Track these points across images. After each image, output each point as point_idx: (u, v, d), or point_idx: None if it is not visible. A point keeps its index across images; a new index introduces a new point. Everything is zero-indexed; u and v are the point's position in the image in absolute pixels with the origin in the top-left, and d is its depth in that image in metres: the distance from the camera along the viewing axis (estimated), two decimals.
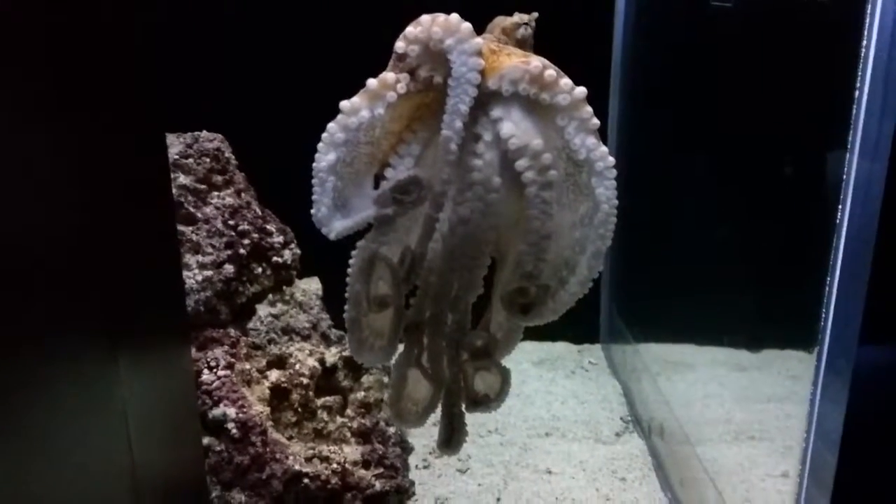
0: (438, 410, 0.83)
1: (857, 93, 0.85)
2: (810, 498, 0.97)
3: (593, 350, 2.54)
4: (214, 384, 1.20)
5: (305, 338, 1.39)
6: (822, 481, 0.93)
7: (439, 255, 0.77)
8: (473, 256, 0.75)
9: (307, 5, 2.12)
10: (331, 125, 0.73)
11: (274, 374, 1.30)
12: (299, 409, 1.31)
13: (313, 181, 0.75)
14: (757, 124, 1.68)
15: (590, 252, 0.74)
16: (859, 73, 0.85)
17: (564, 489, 1.69)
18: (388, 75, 0.72)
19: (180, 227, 1.28)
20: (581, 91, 0.70)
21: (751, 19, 1.75)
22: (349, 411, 1.36)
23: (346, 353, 1.38)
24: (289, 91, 1.98)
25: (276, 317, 1.38)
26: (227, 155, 1.39)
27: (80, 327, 0.72)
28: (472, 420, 0.82)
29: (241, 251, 1.32)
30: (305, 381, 1.32)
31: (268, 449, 1.19)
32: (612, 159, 0.71)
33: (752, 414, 1.86)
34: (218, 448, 1.18)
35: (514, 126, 0.71)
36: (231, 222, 1.33)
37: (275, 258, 1.38)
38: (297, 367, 1.32)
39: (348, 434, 1.34)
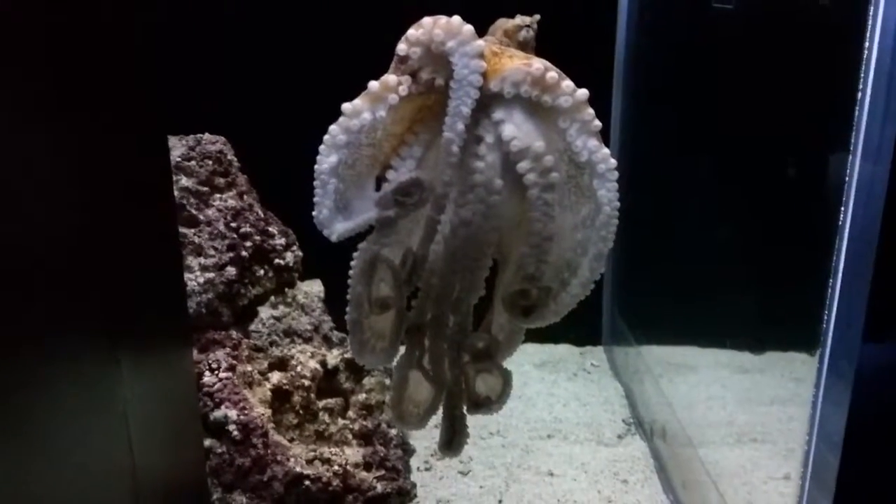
0: (440, 412, 0.83)
1: (859, 94, 0.85)
2: (812, 500, 0.97)
3: (595, 352, 2.54)
4: (216, 386, 1.20)
5: (307, 340, 1.39)
6: (824, 483, 0.93)
7: (441, 257, 0.76)
8: (475, 258, 0.75)
9: (309, 8, 2.12)
10: (332, 127, 0.73)
11: (275, 376, 1.30)
12: (301, 411, 1.31)
13: (315, 183, 0.75)
14: (759, 126, 1.68)
15: (591, 254, 0.74)
16: (861, 75, 0.85)
17: (566, 491, 1.69)
18: (390, 77, 0.72)
19: (182, 230, 1.29)
20: (583, 93, 0.70)
21: (752, 21, 1.75)
22: (351, 413, 1.36)
23: (347, 355, 1.38)
24: (291, 93, 1.98)
25: (277, 319, 1.38)
26: (229, 157, 1.39)
27: (82, 328, 0.72)
28: (474, 422, 0.82)
29: (243, 253, 1.32)
30: (307, 383, 1.32)
31: (269, 451, 1.19)
32: (613, 161, 0.71)
33: (754, 416, 1.86)
34: (219, 450, 1.18)
35: (515, 128, 0.71)
36: (233, 224, 1.33)
37: (277, 260, 1.38)
38: (299, 369, 1.32)
39: (350, 436, 1.34)
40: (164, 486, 0.89)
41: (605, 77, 2.34)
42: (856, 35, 0.85)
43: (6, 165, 0.60)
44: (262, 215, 1.39)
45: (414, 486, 1.37)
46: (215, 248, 1.30)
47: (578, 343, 2.55)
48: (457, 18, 0.70)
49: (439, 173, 0.72)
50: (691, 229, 1.94)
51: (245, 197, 1.38)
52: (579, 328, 2.49)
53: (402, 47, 0.72)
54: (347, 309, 0.79)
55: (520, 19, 0.77)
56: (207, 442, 1.18)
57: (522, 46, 0.76)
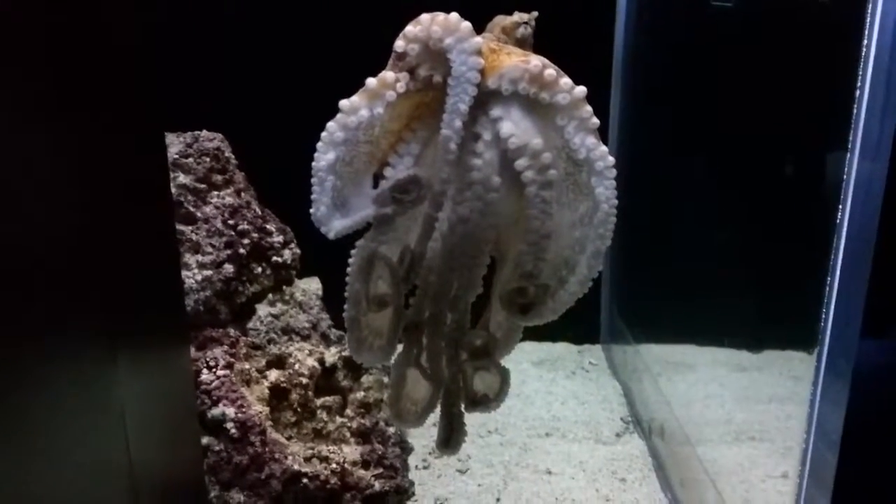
0: (438, 410, 0.83)
1: (857, 93, 0.85)
2: (810, 498, 0.97)
3: (594, 350, 2.54)
4: (213, 384, 1.20)
5: (305, 338, 1.39)
6: (822, 482, 0.93)
7: (439, 255, 0.76)
8: (473, 256, 0.75)
9: (307, 4, 2.12)
10: (330, 124, 0.73)
11: (273, 374, 1.30)
12: (298, 409, 1.30)
13: (312, 180, 0.75)
14: (757, 124, 1.68)
15: (589, 252, 0.74)
16: (860, 73, 0.85)
17: (564, 490, 1.69)
18: (388, 74, 0.72)
19: (180, 227, 1.28)
20: (581, 90, 0.70)
21: (751, 19, 1.75)
22: (349, 411, 1.36)
23: (345, 353, 1.38)
24: (288, 90, 1.97)
25: (275, 316, 1.38)
26: (226, 154, 1.39)
27: (79, 327, 0.72)
28: (472, 420, 0.82)
29: (241, 251, 1.32)
30: (305, 380, 1.31)
31: (267, 449, 1.19)
32: (611, 159, 0.71)
33: (752, 414, 1.86)
34: (217, 448, 1.18)
35: (513, 125, 0.70)
36: (231, 222, 1.33)
37: (274, 258, 1.38)
38: (297, 366, 1.32)
39: (348, 434, 1.33)
40: (162, 483, 0.89)
41: (604, 75, 2.34)
42: (855, 33, 0.85)
43: (5, 165, 0.60)
44: (260, 213, 1.39)
45: (412, 484, 1.37)
46: (213, 246, 1.29)
47: (577, 341, 2.55)
48: (455, 15, 0.69)
49: (437, 170, 0.72)
50: (690, 228, 1.94)
51: (243, 194, 1.38)
52: (578, 326, 2.49)
53: (399, 44, 0.72)
54: (345, 306, 0.79)
55: (518, 16, 0.77)
56: (205, 440, 1.18)
57: (520, 43, 0.76)
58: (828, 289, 0.91)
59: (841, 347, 0.89)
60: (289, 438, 1.27)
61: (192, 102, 1.37)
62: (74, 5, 0.70)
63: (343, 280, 0.78)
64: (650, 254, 2.13)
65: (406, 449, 1.39)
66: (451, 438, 0.83)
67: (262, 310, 1.38)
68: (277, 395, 1.29)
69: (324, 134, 0.73)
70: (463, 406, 0.82)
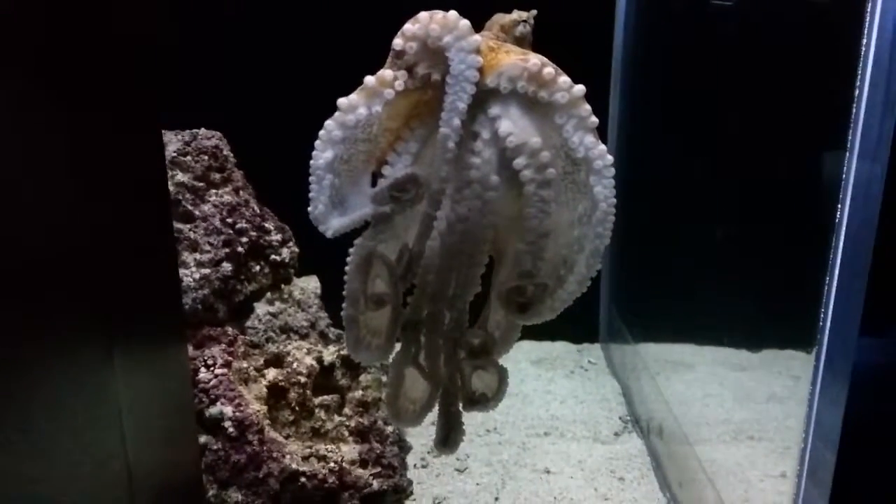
0: (436, 409, 0.83)
1: (856, 92, 0.85)
2: (809, 498, 0.97)
3: (592, 349, 2.54)
4: (211, 382, 1.20)
5: (303, 336, 1.39)
6: (820, 481, 0.93)
7: (437, 254, 0.76)
8: (471, 255, 0.75)
9: (306, 3, 2.12)
10: (328, 122, 0.72)
11: (271, 373, 1.30)
12: (297, 408, 1.30)
13: (310, 179, 0.75)
14: (757, 123, 1.67)
15: (588, 251, 0.74)
16: (859, 73, 0.85)
17: (563, 489, 1.69)
18: (386, 72, 0.72)
19: (178, 225, 1.28)
20: (579, 89, 0.70)
21: (751, 18, 1.75)
22: (347, 410, 1.36)
23: (344, 352, 1.38)
24: (287, 88, 1.97)
25: (274, 315, 1.38)
26: (225, 152, 1.38)
27: (76, 325, 0.72)
28: (471, 419, 0.82)
29: (239, 249, 1.32)
30: (303, 379, 1.31)
31: (265, 447, 1.19)
32: (610, 157, 0.71)
33: (751, 414, 1.86)
34: (214, 446, 1.18)
35: (512, 124, 0.70)
36: (229, 220, 1.32)
37: (273, 256, 1.38)
38: (295, 365, 1.32)
39: (346, 433, 1.33)
40: (159, 482, 0.89)
41: (603, 73, 2.34)
42: (854, 33, 0.85)
43: (2, 165, 0.60)
44: (259, 211, 1.39)
45: (410, 483, 1.37)
46: (211, 244, 1.29)
47: (576, 340, 2.55)
48: (453, 13, 0.69)
49: (435, 169, 0.72)
50: (689, 226, 1.94)
51: (241, 192, 1.38)
52: (576, 325, 2.49)
53: (398, 42, 0.71)
54: (343, 305, 0.79)
55: (517, 14, 0.77)
56: (203, 438, 1.17)
57: (519, 42, 0.76)
58: (827, 288, 0.91)
59: (840, 347, 0.89)
60: (287, 437, 1.27)
61: (191, 101, 1.37)
62: (73, 4, 0.70)
63: (342, 278, 0.78)
64: (649, 253, 2.13)
65: (404, 448, 1.39)
66: (449, 437, 0.82)
67: (261, 308, 1.37)
68: (275, 394, 1.29)
69: (322, 132, 0.73)
70: (461, 405, 0.82)
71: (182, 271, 1.25)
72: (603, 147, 0.71)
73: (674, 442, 1.77)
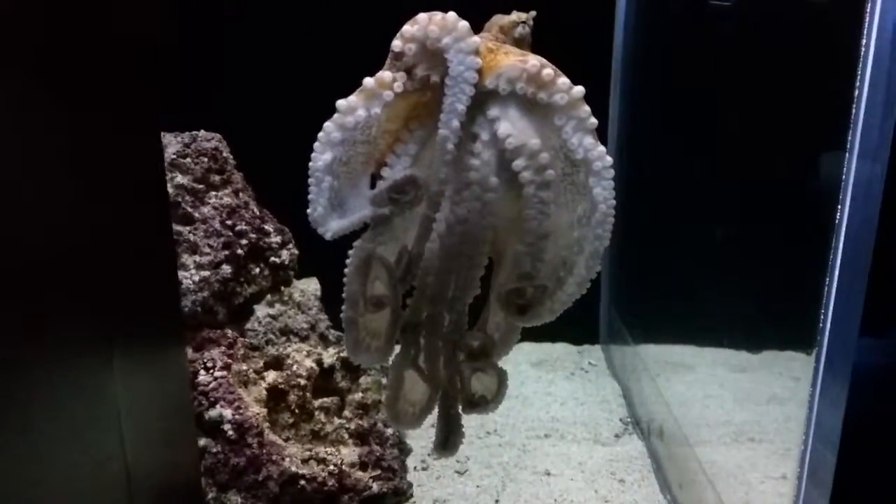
0: (436, 412, 0.83)
1: (856, 93, 0.85)
2: (809, 499, 0.96)
3: (593, 351, 2.54)
4: (211, 385, 1.20)
5: (303, 339, 1.39)
6: (821, 482, 0.92)
7: (436, 256, 0.76)
8: (470, 256, 0.74)
9: (305, 4, 2.12)
10: (327, 124, 0.72)
11: (271, 375, 1.30)
12: (296, 411, 1.30)
13: (309, 181, 0.75)
14: (756, 124, 1.67)
15: (587, 252, 0.74)
16: (859, 73, 0.85)
17: (563, 491, 1.68)
18: (385, 74, 0.72)
19: (178, 227, 1.28)
20: (579, 90, 0.70)
21: (750, 19, 1.75)
22: (347, 412, 1.36)
23: (344, 354, 1.37)
24: (287, 90, 1.97)
25: (273, 317, 1.37)
26: (224, 154, 1.38)
27: (75, 328, 0.72)
28: (471, 421, 0.81)
29: (239, 251, 1.31)
30: (303, 382, 1.31)
31: (264, 450, 1.19)
32: (609, 159, 0.71)
33: (751, 415, 1.85)
34: (214, 449, 1.18)
35: (511, 125, 0.70)
36: (229, 222, 1.32)
37: (272, 258, 1.37)
38: (295, 368, 1.31)
39: (346, 435, 1.33)
40: (158, 484, 0.88)
41: (603, 74, 2.34)
42: (854, 32, 0.85)
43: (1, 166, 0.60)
44: (258, 213, 1.38)
45: (410, 485, 1.36)
46: (211, 246, 1.29)
47: (576, 342, 2.55)
48: (452, 15, 0.69)
49: (434, 171, 0.72)
50: (689, 228, 1.94)
51: (241, 194, 1.38)
52: (577, 327, 2.49)
53: (397, 43, 0.71)
54: (343, 307, 0.79)
55: (516, 16, 0.77)
56: (202, 441, 1.17)
57: (518, 43, 0.76)
58: (827, 289, 0.91)
59: (840, 348, 0.89)
60: (286, 440, 1.27)
61: (191, 103, 1.37)
62: (73, 4, 0.70)
63: (342, 281, 0.78)
64: (649, 254, 2.13)
65: (404, 450, 1.39)
66: (448, 440, 0.82)
67: (261, 311, 1.37)
68: (275, 397, 1.29)
69: (321, 134, 0.73)
70: (460, 408, 0.82)
71: (182, 273, 1.25)
72: (602, 148, 0.71)
73: (674, 443, 1.77)
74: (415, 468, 1.70)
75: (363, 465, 1.29)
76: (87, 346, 0.74)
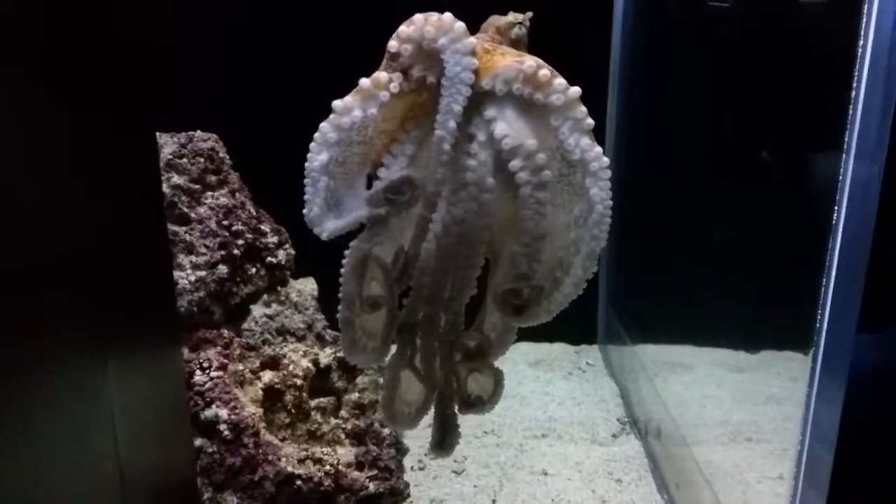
0: (432, 412, 0.83)
1: (853, 94, 0.85)
2: (806, 499, 0.96)
3: (590, 351, 2.54)
4: (207, 385, 1.19)
5: (300, 339, 1.39)
6: (817, 483, 0.92)
7: (433, 256, 0.76)
8: (467, 257, 0.74)
9: (301, 5, 2.11)
10: (323, 125, 0.72)
11: (267, 375, 1.29)
12: (293, 411, 1.30)
13: (305, 181, 0.74)
14: (754, 124, 1.68)
15: (584, 253, 0.74)
16: (856, 74, 0.85)
17: (560, 491, 1.69)
18: (381, 75, 0.71)
19: (174, 227, 1.28)
20: (575, 91, 0.70)
21: (748, 19, 1.75)
22: (343, 412, 1.36)
23: (340, 354, 1.37)
24: (283, 91, 1.97)
25: (270, 317, 1.37)
26: (221, 155, 1.38)
27: (69, 328, 0.72)
28: (469, 421, 0.81)
29: (235, 251, 1.31)
30: (299, 382, 1.31)
31: (260, 450, 1.19)
32: (606, 160, 0.71)
33: (749, 415, 1.86)
34: (210, 449, 1.17)
35: (507, 126, 0.70)
36: (225, 222, 1.32)
37: (269, 258, 1.37)
38: (291, 368, 1.31)
39: (342, 435, 1.33)
40: (154, 485, 0.88)
41: (600, 75, 2.34)
42: (851, 34, 0.85)
43: None
44: (255, 213, 1.38)
45: (407, 485, 1.36)
46: (207, 247, 1.29)
47: (573, 342, 2.55)
48: (448, 15, 0.69)
49: (431, 171, 0.72)
50: (686, 228, 1.94)
51: (237, 195, 1.38)
52: (574, 327, 2.49)
53: (393, 44, 0.71)
54: (339, 308, 0.79)
55: (512, 16, 0.77)
56: (198, 441, 1.17)
57: (515, 44, 0.76)
58: (824, 289, 0.91)
59: (837, 348, 0.89)
60: (283, 440, 1.26)
61: (187, 103, 1.37)
62: (73, 4, 0.70)
63: (339, 281, 0.78)
64: (647, 254, 2.13)
65: (401, 450, 1.39)
66: (444, 440, 0.82)
67: (257, 310, 1.37)
68: (271, 397, 1.29)
69: (317, 135, 0.72)
70: (457, 408, 0.81)
71: (178, 274, 1.25)
72: (599, 149, 0.71)
73: (671, 443, 1.77)
74: (412, 468, 1.70)
75: (360, 465, 1.29)
76: (82, 348, 0.74)
